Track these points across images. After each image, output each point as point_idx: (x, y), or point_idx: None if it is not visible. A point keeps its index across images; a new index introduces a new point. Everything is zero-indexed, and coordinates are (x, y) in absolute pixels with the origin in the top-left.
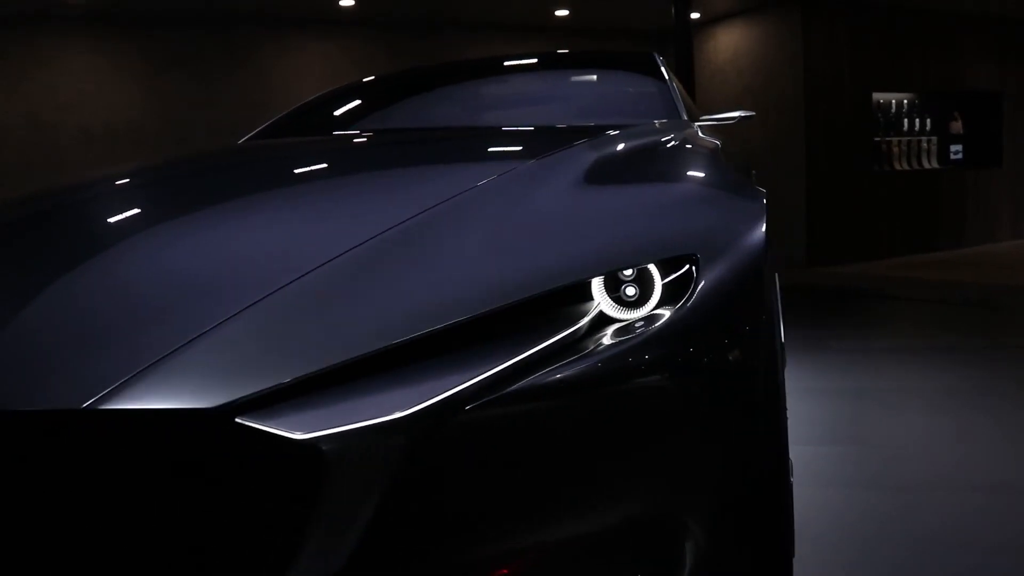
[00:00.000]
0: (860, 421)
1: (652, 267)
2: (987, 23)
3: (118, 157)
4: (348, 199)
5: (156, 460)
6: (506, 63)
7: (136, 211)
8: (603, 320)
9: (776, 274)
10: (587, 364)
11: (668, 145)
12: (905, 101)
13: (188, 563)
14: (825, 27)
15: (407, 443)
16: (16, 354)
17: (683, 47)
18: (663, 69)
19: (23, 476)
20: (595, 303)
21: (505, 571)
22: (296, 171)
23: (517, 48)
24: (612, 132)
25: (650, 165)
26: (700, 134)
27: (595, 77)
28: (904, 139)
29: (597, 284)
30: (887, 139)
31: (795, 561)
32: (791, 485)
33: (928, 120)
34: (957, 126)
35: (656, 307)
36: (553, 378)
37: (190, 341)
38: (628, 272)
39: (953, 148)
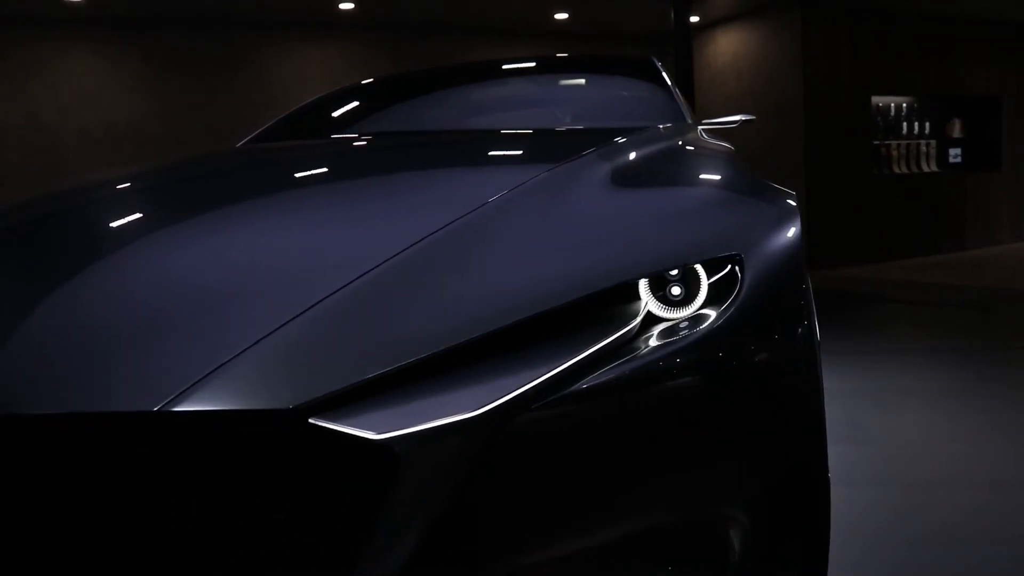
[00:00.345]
0: (861, 421)
1: (698, 267)
2: (987, 27)
3: (119, 159)
4: (389, 201)
5: (228, 461)
6: (506, 66)
7: (182, 211)
8: (650, 320)
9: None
10: (643, 363)
11: (688, 148)
12: (904, 104)
13: (257, 563)
14: (825, 30)
15: (477, 442)
16: (81, 356)
17: (682, 50)
18: (663, 73)
19: (93, 478)
20: (643, 303)
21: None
22: (331, 173)
23: (516, 51)
24: (630, 135)
25: (677, 167)
26: (709, 138)
27: (597, 81)
28: (903, 142)
29: (643, 283)
30: (886, 142)
31: None
32: (829, 482)
33: (927, 123)
34: (956, 129)
35: (701, 307)
36: (611, 377)
37: (257, 342)
38: (674, 272)
39: (952, 151)
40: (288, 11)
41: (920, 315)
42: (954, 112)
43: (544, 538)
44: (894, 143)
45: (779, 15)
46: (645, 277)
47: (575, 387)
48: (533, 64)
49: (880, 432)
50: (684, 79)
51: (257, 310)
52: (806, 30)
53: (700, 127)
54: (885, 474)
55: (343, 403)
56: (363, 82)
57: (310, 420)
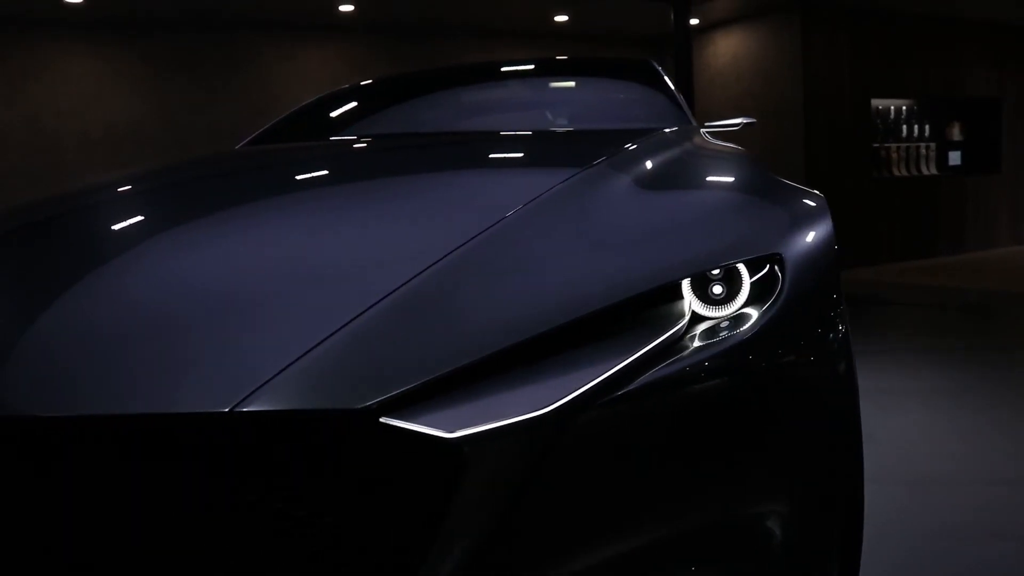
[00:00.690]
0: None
1: (740, 266)
2: (986, 29)
3: (118, 160)
4: (428, 203)
5: (296, 461)
6: (510, 68)
7: (225, 210)
8: (694, 319)
9: None
10: (696, 361)
11: (708, 151)
12: (904, 107)
13: (322, 563)
14: (825, 33)
15: (543, 441)
16: (143, 357)
17: (682, 53)
18: (664, 76)
19: (158, 479)
20: (687, 302)
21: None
22: (361, 174)
23: (516, 53)
24: (645, 138)
25: (703, 169)
26: (717, 140)
27: (600, 83)
28: (903, 145)
29: (686, 283)
30: (886, 145)
31: None
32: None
33: (927, 126)
34: (956, 132)
35: (743, 305)
36: (664, 375)
37: (321, 341)
38: (715, 271)
39: (952, 154)
40: (288, 13)
41: (919, 317)
42: (954, 115)
43: (598, 538)
44: (894, 146)
45: (779, 17)
46: (691, 276)
47: (631, 386)
48: (538, 66)
49: (881, 431)
50: (684, 81)
51: (319, 310)
52: (806, 32)
53: (703, 130)
54: (889, 471)
55: (410, 402)
56: (363, 83)
57: (380, 419)
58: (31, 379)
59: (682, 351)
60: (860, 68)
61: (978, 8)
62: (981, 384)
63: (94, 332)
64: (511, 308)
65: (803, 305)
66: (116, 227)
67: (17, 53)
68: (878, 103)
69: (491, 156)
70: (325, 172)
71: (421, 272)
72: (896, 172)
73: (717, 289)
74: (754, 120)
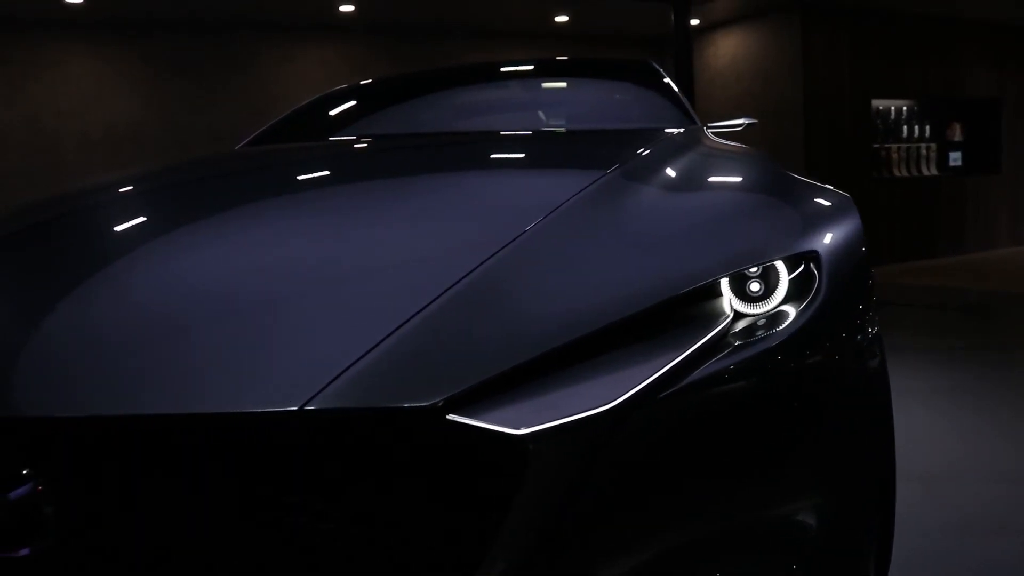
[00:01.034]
0: None
1: (779, 263)
2: (986, 30)
3: (119, 162)
4: (466, 201)
5: (363, 458)
6: (514, 68)
7: (266, 209)
8: (736, 316)
9: None
10: (744, 358)
11: (726, 150)
12: (904, 108)
13: (386, 559)
14: (825, 33)
15: (606, 436)
16: (209, 357)
17: (682, 53)
18: (667, 77)
19: (229, 478)
20: (727, 299)
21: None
22: (393, 173)
23: (516, 54)
24: (669, 138)
25: (727, 169)
26: (724, 140)
27: (603, 84)
28: (903, 145)
29: (725, 280)
30: (886, 145)
31: None
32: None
33: (927, 126)
34: (956, 133)
35: (780, 303)
36: (713, 371)
37: (384, 339)
38: (754, 268)
39: (952, 155)
40: (288, 13)
41: (919, 317)
42: (954, 115)
43: (646, 535)
44: (894, 146)
45: (779, 18)
46: (733, 273)
47: (682, 383)
48: (542, 67)
49: None
50: (684, 82)
51: (377, 308)
52: (806, 33)
53: (709, 130)
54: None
55: (472, 399)
56: (362, 83)
57: (447, 416)
58: (95, 379)
59: (726, 348)
60: (860, 68)
61: (978, 8)
62: (981, 384)
63: (152, 332)
64: (563, 305)
65: (841, 302)
66: (155, 223)
67: (17, 53)
68: (878, 103)
69: (518, 156)
70: (354, 171)
71: (473, 270)
72: (896, 172)
73: (754, 286)
74: (755, 120)
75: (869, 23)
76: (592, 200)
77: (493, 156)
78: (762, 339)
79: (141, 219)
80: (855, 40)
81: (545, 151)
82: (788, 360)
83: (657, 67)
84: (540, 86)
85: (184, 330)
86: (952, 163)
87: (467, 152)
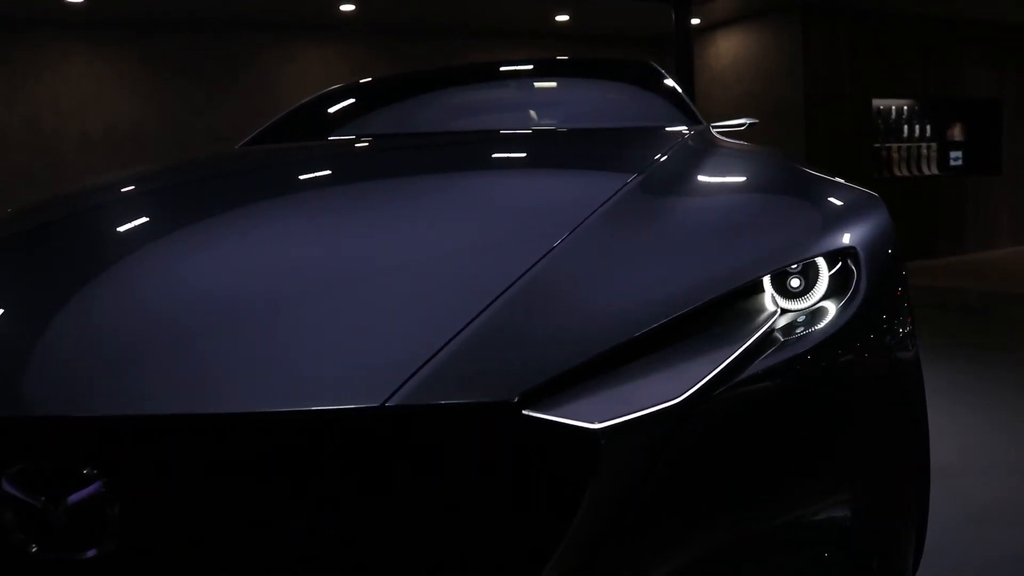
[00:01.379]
0: None
1: (820, 260)
2: (987, 29)
3: (119, 162)
4: (511, 200)
5: (441, 454)
6: (515, 68)
7: (307, 208)
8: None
9: None
10: (796, 353)
11: (744, 149)
12: (905, 107)
13: (458, 553)
14: (825, 33)
15: (675, 428)
16: (282, 354)
17: (683, 53)
18: (669, 78)
19: (311, 474)
20: (770, 295)
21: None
22: (433, 170)
23: (516, 53)
24: (686, 138)
25: (752, 168)
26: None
27: (608, 84)
28: (904, 145)
29: (767, 277)
30: (887, 145)
31: None
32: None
33: (928, 126)
34: (957, 132)
35: (821, 299)
36: (767, 366)
37: (455, 335)
38: (795, 265)
39: (952, 155)
40: (288, 13)
41: (919, 317)
42: (954, 115)
43: (706, 528)
44: (894, 146)
45: (780, 18)
46: (778, 270)
47: (739, 377)
48: (544, 67)
49: None
50: (685, 82)
51: (445, 304)
52: (806, 33)
53: (714, 130)
54: None
55: (546, 394)
56: (362, 81)
57: (523, 411)
58: (168, 377)
59: (773, 344)
60: (860, 68)
61: (978, 8)
62: (980, 384)
63: (220, 330)
64: (619, 302)
65: (880, 297)
66: (196, 217)
67: (17, 53)
68: (879, 103)
69: (550, 155)
70: (391, 169)
71: (531, 267)
72: (897, 172)
73: (795, 283)
74: (756, 120)
75: (869, 23)
76: (632, 199)
77: (527, 155)
78: (810, 334)
79: (180, 211)
80: (855, 40)
81: (574, 151)
82: (836, 355)
83: (659, 68)
84: (552, 87)
85: (254, 328)
86: (952, 163)
87: (499, 150)
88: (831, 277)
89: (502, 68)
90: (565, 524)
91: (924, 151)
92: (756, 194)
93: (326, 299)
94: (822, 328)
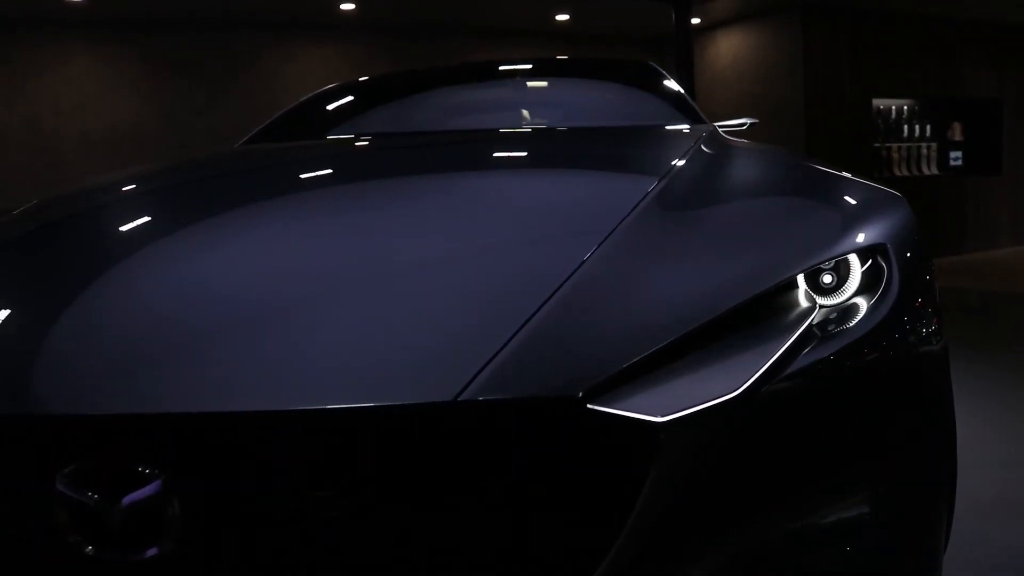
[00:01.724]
0: None
1: (852, 256)
2: (987, 29)
3: (119, 162)
4: (548, 199)
5: (509, 448)
6: (503, 67)
7: (349, 207)
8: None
9: None
10: (837, 347)
11: (760, 149)
12: (905, 107)
13: (520, 546)
14: (825, 33)
15: (731, 421)
16: (356, 351)
17: (683, 53)
18: (670, 78)
19: (379, 471)
20: (804, 291)
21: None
22: (468, 168)
23: (516, 53)
24: (701, 138)
25: (773, 168)
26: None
27: (613, 84)
28: (904, 145)
29: (801, 275)
30: (887, 145)
31: None
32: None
33: (928, 126)
34: (957, 132)
35: (853, 295)
36: (810, 361)
37: (517, 332)
38: (828, 262)
39: (953, 154)
40: (288, 13)
41: None
42: (955, 115)
43: (754, 522)
44: (895, 146)
45: (780, 18)
46: (815, 266)
47: (786, 372)
48: (544, 66)
49: None
50: (685, 81)
51: (503, 300)
52: (806, 33)
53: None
54: None
55: (608, 388)
56: (361, 79)
57: (588, 405)
58: (225, 375)
59: (814, 340)
60: (860, 68)
61: (978, 8)
62: (980, 384)
63: (272, 327)
64: (668, 299)
65: (911, 292)
66: (220, 216)
67: (17, 53)
68: (879, 103)
69: (575, 155)
70: (420, 167)
71: (582, 264)
72: (897, 172)
73: (827, 279)
74: (756, 120)
75: (869, 23)
76: (665, 198)
77: (554, 154)
78: (849, 329)
79: (201, 210)
80: (855, 40)
81: (598, 151)
82: (875, 349)
83: (660, 69)
84: (558, 86)
85: (315, 326)
86: (952, 163)
87: (524, 149)
88: (863, 273)
89: (502, 67)
90: (624, 517)
91: (924, 151)
92: (786, 193)
93: (379, 296)
94: (859, 323)
